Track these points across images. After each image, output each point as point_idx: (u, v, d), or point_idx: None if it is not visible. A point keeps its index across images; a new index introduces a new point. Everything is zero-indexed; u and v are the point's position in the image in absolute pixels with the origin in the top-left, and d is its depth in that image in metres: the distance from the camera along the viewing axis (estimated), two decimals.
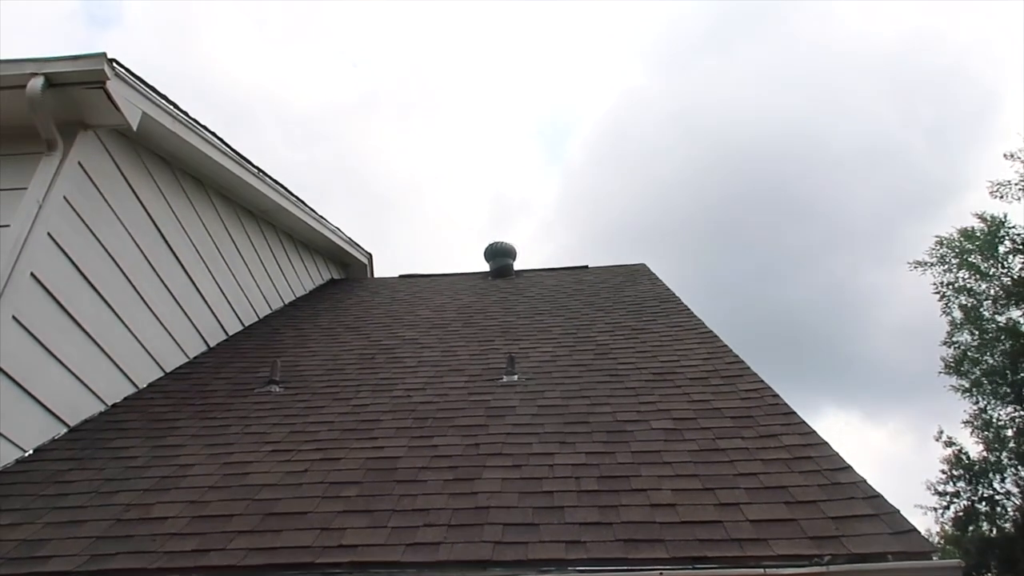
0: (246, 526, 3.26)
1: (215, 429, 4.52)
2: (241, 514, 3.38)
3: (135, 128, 4.74)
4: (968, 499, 19.21)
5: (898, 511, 3.04)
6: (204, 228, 6.24)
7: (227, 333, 6.63)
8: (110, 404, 4.90)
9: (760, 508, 3.18)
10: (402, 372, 5.51)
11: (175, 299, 5.73)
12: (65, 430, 4.47)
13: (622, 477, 3.56)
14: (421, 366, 5.65)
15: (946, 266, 20.72)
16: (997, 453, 19.10)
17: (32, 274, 4.19)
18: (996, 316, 19.68)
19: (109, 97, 4.41)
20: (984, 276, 20.00)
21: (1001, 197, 19.64)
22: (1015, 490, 18.64)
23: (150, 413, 4.83)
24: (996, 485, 18.99)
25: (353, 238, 9.58)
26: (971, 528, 18.96)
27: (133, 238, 5.17)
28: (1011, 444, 18.92)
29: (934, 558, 2.75)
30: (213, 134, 5.87)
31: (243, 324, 6.96)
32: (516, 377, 5.16)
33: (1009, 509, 18.70)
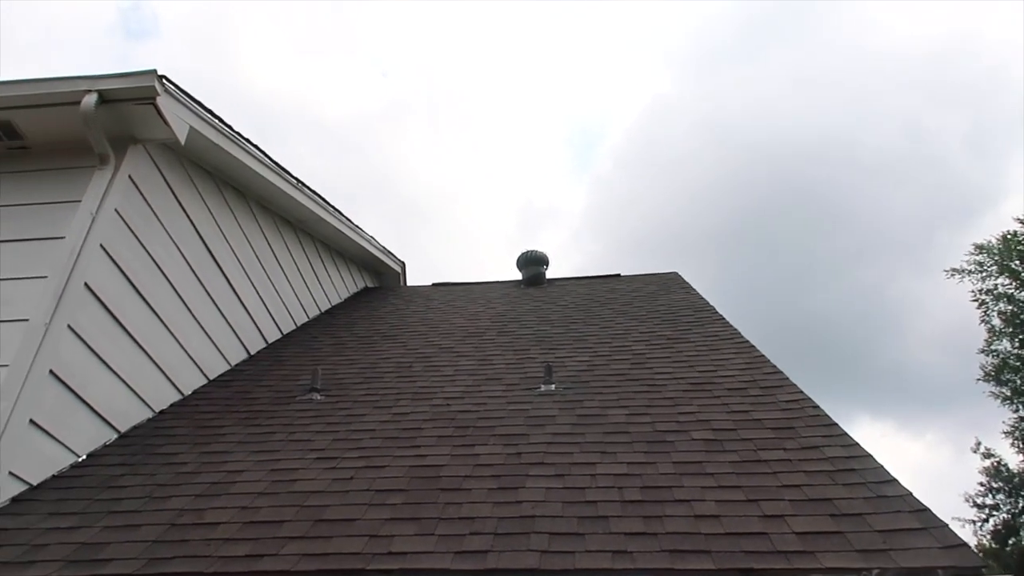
0: (296, 532, 3.33)
1: (260, 436, 4.61)
2: (291, 520, 3.45)
3: (183, 142, 4.87)
4: (1008, 512, 18.83)
5: (946, 525, 3.02)
6: (245, 238, 6.37)
7: (267, 341, 6.75)
8: (158, 411, 5.03)
9: (805, 520, 3.18)
10: (440, 381, 5.57)
11: (218, 308, 5.85)
12: (116, 436, 4.60)
13: (664, 488, 3.57)
14: (458, 375, 5.71)
15: (984, 273, 20.37)
16: None
17: (86, 284, 4.32)
18: None
19: (159, 112, 4.54)
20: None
21: None
22: None
23: (196, 420, 4.94)
24: None
25: (386, 246, 9.70)
26: (1011, 541, 18.56)
27: (179, 248, 5.30)
28: None
29: (984, 573, 2.73)
30: (255, 147, 6.00)
31: (282, 332, 7.08)
32: (554, 386, 5.19)
33: None
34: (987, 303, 20.31)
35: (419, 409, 4.96)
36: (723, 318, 6.74)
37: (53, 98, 4.43)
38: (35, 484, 3.95)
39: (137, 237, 4.81)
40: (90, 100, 4.35)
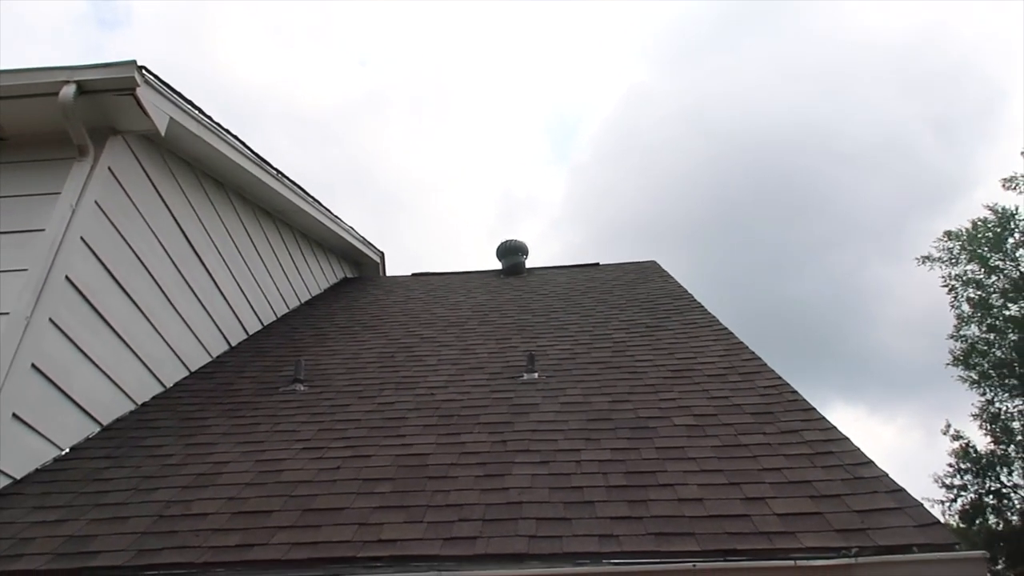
0: (286, 521, 3.36)
1: (245, 427, 4.62)
2: (279, 510, 3.47)
3: (163, 133, 4.83)
4: (975, 492, 19.31)
5: (921, 504, 3.12)
6: (225, 229, 6.34)
7: (247, 332, 6.73)
8: (140, 403, 5.01)
9: (786, 502, 3.27)
10: (423, 370, 5.60)
11: (199, 299, 5.83)
12: (99, 429, 4.58)
13: (648, 472, 3.65)
14: (441, 364, 5.74)
15: (953, 260, 20.79)
16: (1005, 446, 19.18)
17: (67, 277, 4.28)
18: (1005, 308, 19.74)
19: (139, 104, 4.50)
20: (993, 269, 20.05)
21: (1014, 189, 19.74)
22: (1022, 483, 18.72)
23: (180, 412, 4.93)
24: (1003, 478, 19.09)
25: (366, 236, 9.68)
26: (978, 521, 19.05)
27: (159, 240, 5.27)
28: (1018, 437, 19.00)
29: (957, 549, 2.83)
30: (235, 137, 5.96)
31: (262, 323, 7.06)
32: (536, 375, 5.25)
33: (1016, 502, 18.80)
34: (956, 289, 20.74)
35: (403, 398, 4.99)
36: (701, 306, 6.84)
37: (31, 89, 4.37)
38: (19, 478, 3.93)
39: (117, 229, 4.78)
40: (69, 91, 4.30)
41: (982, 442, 19.77)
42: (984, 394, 19.71)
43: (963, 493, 19.49)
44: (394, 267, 10.66)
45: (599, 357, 5.60)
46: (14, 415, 3.88)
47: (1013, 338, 19.08)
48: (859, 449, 3.69)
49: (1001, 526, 18.76)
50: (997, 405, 19.57)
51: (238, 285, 6.55)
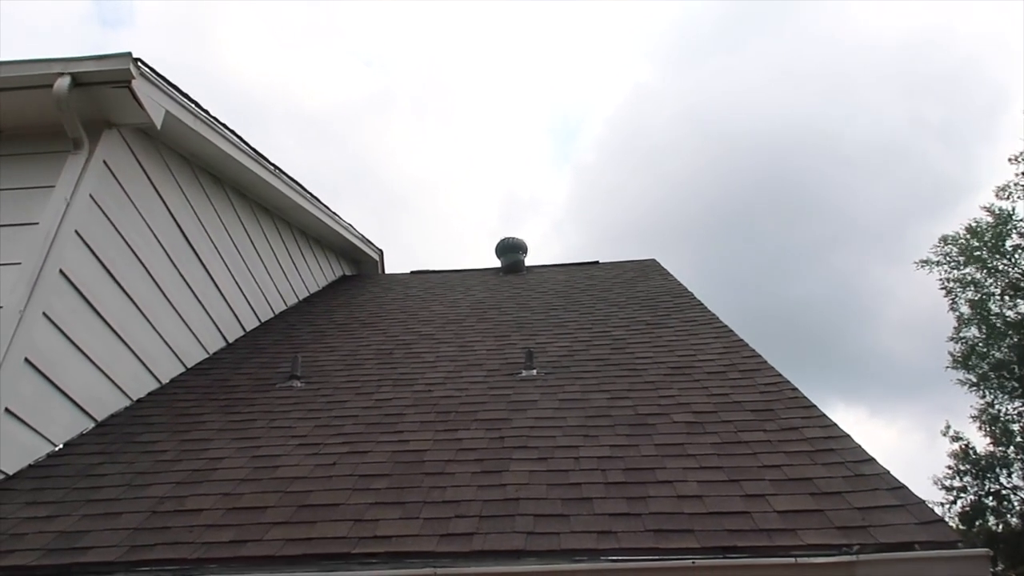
0: (280, 518, 3.32)
1: (240, 423, 4.58)
2: (274, 506, 3.43)
3: (159, 127, 4.79)
4: (975, 494, 19.25)
5: (923, 501, 3.09)
6: (222, 225, 6.30)
7: (244, 329, 6.69)
8: (135, 399, 4.96)
9: (786, 499, 3.23)
10: (421, 367, 5.56)
11: (195, 295, 5.79)
12: (92, 425, 4.53)
13: (647, 469, 3.61)
14: (439, 361, 5.70)
15: (951, 263, 20.73)
16: (1004, 448, 19.13)
17: (61, 271, 4.24)
18: (1004, 310, 19.70)
19: (134, 96, 4.46)
20: (992, 271, 20.01)
21: (1007, 197, 19.70)
22: (1022, 485, 18.68)
23: (175, 407, 4.89)
24: (1003, 480, 19.03)
25: (365, 235, 9.64)
26: (978, 523, 18.99)
27: (155, 234, 5.23)
28: (1018, 439, 18.95)
29: (960, 547, 2.80)
30: (232, 132, 5.92)
31: (259, 319, 7.02)
32: (535, 371, 5.21)
33: (1016, 504, 18.75)
34: (955, 291, 20.68)
35: (401, 395, 4.95)
36: (701, 303, 6.80)
37: (25, 81, 4.33)
38: (11, 473, 3.89)
39: (112, 223, 4.74)
40: (63, 83, 4.26)
41: (981, 444, 19.74)
42: (983, 396, 19.66)
43: (963, 495, 19.44)
44: (396, 267, 10.58)
45: (598, 354, 5.56)
46: (7, 410, 3.84)
47: (1013, 340, 19.04)
48: (860, 446, 3.65)
49: (1001, 528, 18.72)
50: (997, 407, 19.53)
51: (235, 282, 6.50)
